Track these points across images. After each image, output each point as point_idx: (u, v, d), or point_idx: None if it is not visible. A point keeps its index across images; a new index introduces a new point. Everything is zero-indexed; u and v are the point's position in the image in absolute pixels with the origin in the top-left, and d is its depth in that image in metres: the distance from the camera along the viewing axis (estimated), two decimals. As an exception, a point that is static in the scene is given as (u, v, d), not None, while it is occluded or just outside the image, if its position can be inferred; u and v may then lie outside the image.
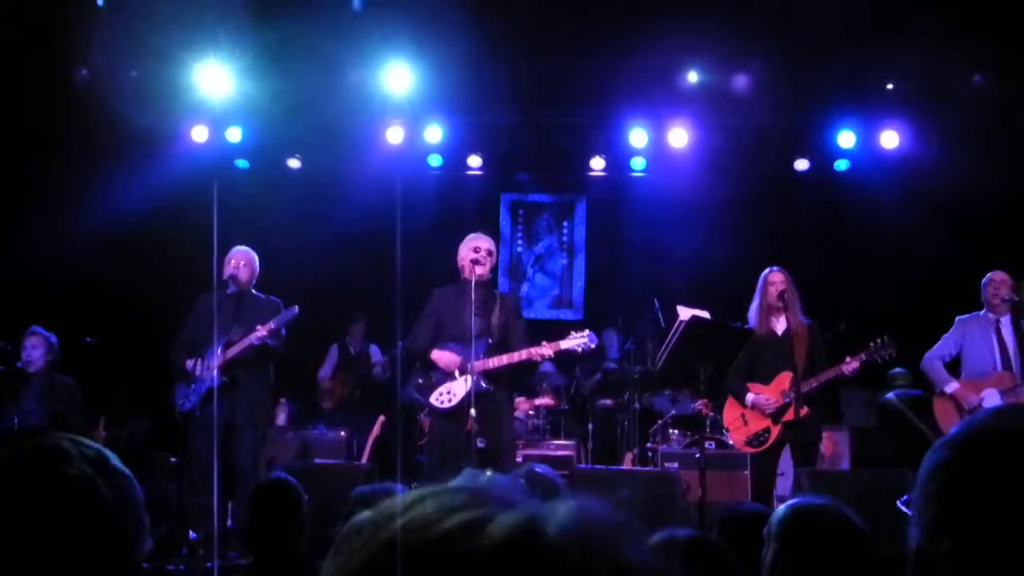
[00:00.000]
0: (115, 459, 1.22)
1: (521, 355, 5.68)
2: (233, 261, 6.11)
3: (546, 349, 5.68)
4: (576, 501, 0.69)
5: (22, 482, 1.13)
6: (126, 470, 1.22)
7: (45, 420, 6.30)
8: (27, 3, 7.45)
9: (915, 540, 1.02)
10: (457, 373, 5.73)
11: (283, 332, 5.98)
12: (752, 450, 6.05)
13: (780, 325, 6.06)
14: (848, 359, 5.81)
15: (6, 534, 1.08)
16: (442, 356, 5.75)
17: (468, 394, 5.61)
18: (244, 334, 5.88)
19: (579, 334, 5.76)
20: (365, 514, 0.70)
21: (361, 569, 0.66)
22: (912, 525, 1.03)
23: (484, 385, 5.67)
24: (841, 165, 9.41)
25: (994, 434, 0.99)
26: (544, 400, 8.50)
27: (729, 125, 9.04)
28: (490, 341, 5.76)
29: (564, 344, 5.71)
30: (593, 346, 5.87)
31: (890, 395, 7.43)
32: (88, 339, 7.23)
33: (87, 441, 1.23)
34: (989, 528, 0.94)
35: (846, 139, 9.06)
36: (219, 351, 5.86)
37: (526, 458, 7.40)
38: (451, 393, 5.73)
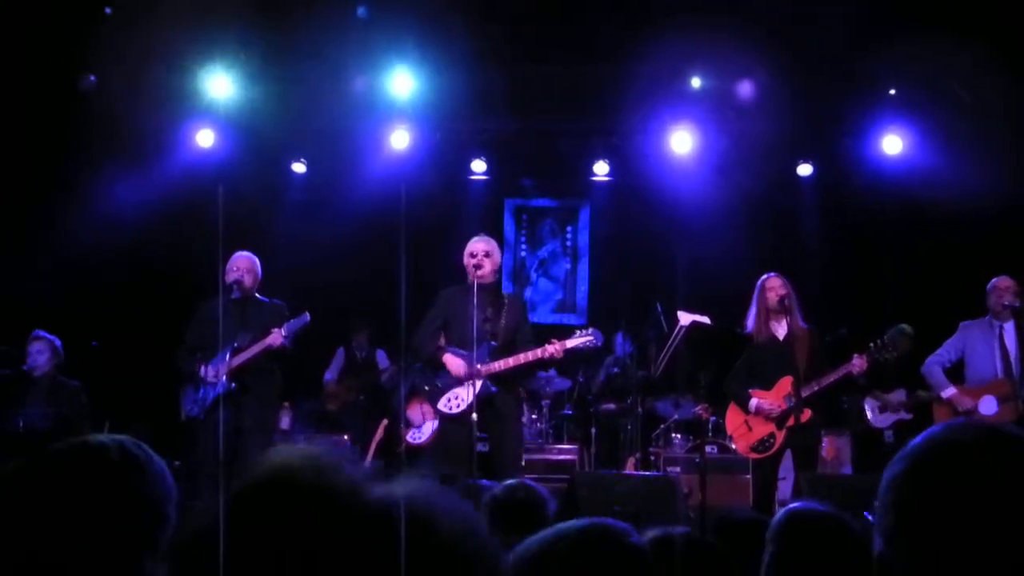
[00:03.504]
0: (154, 455, 1.26)
1: (527, 356, 5.68)
2: (236, 267, 6.12)
3: (554, 348, 5.68)
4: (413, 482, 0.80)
5: (68, 468, 1.17)
6: (163, 465, 1.27)
7: (50, 423, 6.32)
8: (34, 7, 7.50)
9: (878, 547, 1.05)
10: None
11: (292, 338, 6.00)
12: (757, 456, 6.05)
13: (781, 330, 6.07)
14: (855, 358, 5.81)
15: (52, 518, 1.11)
16: (451, 361, 5.76)
17: (476, 398, 5.62)
18: (252, 340, 5.89)
19: (584, 332, 5.76)
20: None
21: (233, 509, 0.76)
22: (875, 533, 1.07)
23: (492, 388, 5.68)
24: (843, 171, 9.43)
25: (947, 447, 1.03)
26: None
27: (732, 130, 9.05)
28: (494, 344, 5.77)
29: (570, 343, 5.71)
30: (599, 344, 5.87)
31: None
32: (94, 343, 7.26)
33: (126, 438, 1.27)
34: (942, 537, 0.98)
35: (849, 145, 9.07)
36: (227, 357, 5.89)
37: (528, 464, 7.42)
38: (459, 399, 5.73)
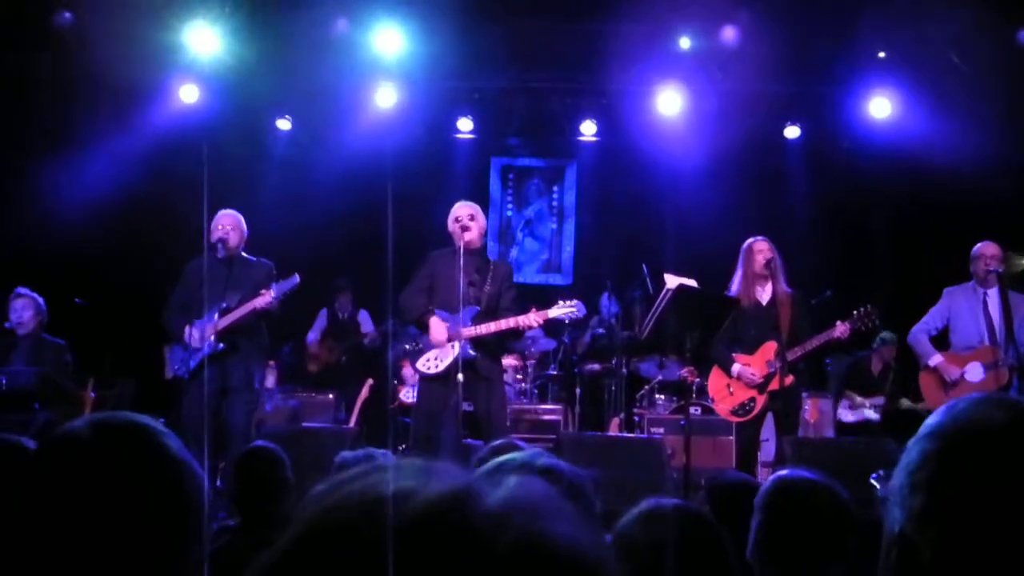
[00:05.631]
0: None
1: (508, 323, 5.70)
2: (221, 225, 6.08)
3: (533, 317, 5.69)
4: (516, 479, 0.70)
5: (125, 449, 1.15)
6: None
7: (34, 381, 6.30)
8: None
9: (897, 524, 1.04)
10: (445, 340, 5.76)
11: (280, 299, 5.97)
12: (738, 419, 6.09)
13: (765, 294, 6.08)
14: (839, 324, 5.83)
15: (104, 501, 1.09)
16: (434, 326, 5.76)
17: (455, 360, 5.64)
18: (240, 299, 5.87)
19: (568, 303, 5.77)
20: (319, 485, 0.72)
21: (301, 535, 0.67)
22: (893, 509, 1.06)
23: (471, 352, 5.70)
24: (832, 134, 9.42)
25: (981, 427, 1.03)
26: (513, 360, 8.52)
27: (720, 92, 9.00)
28: (478, 309, 5.78)
29: (552, 312, 5.72)
30: (580, 316, 5.90)
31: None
32: (77, 300, 7.21)
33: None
34: (977, 519, 0.98)
35: (837, 107, 9.05)
36: (215, 317, 5.86)
37: (512, 424, 7.45)
38: (438, 359, 5.76)
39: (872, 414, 7.96)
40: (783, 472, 2.35)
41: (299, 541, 0.66)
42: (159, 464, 1.16)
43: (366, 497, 0.66)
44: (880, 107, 8.82)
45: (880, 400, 7.98)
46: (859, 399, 8.04)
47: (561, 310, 5.72)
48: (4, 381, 6.19)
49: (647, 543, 1.82)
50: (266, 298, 5.78)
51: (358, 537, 0.64)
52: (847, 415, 8.05)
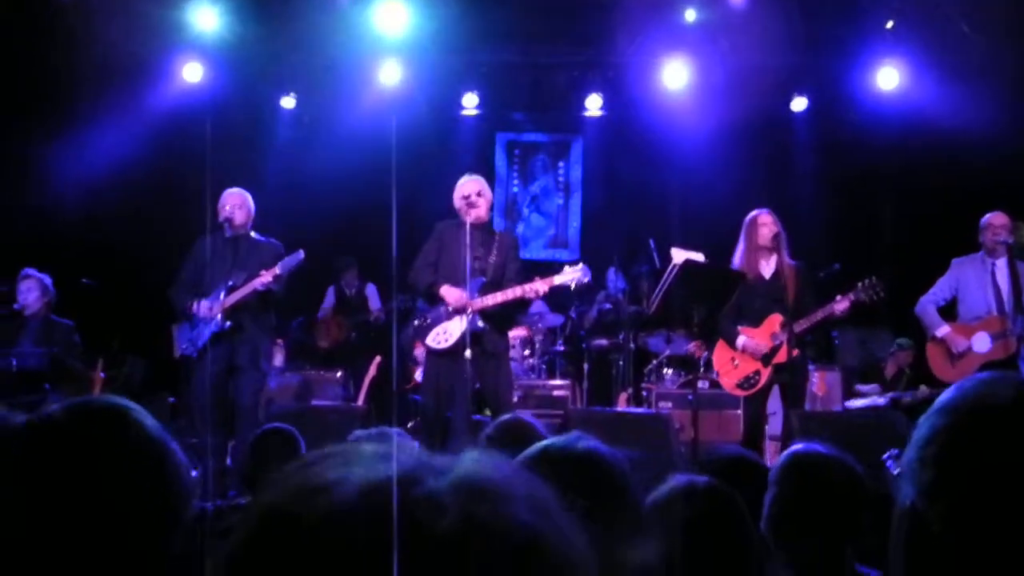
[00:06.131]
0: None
1: (515, 291, 5.65)
2: (228, 204, 6.07)
3: (539, 285, 5.67)
4: (474, 461, 0.68)
5: (94, 431, 1.14)
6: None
7: (43, 362, 6.33)
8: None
9: (908, 499, 1.07)
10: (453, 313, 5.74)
11: (286, 276, 5.97)
12: (743, 393, 6.08)
13: (769, 268, 6.05)
14: (839, 298, 5.82)
15: (74, 482, 1.09)
16: (449, 292, 5.74)
17: (464, 334, 5.64)
18: (247, 278, 5.87)
19: (573, 268, 5.74)
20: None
21: (250, 528, 0.68)
22: (904, 483, 1.08)
23: (480, 324, 5.69)
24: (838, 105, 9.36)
25: (989, 404, 1.05)
26: (521, 331, 8.53)
27: (726, 65, 8.94)
28: (484, 280, 5.75)
29: (558, 279, 5.68)
30: (586, 280, 5.83)
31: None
32: (85, 280, 7.23)
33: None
34: (985, 494, 1.01)
35: (845, 78, 8.99)
36: (222, 295, 5.87)
37: (521, 399, 7.47)
38: (447, 333, 5.74)
39: (880, 399, 7.96)
40: (798, 447, 2.35)
41: (248, 535, 0.67)
42: (133, 448, 1.15)
43: (304, 487, 0.66)
44: (888, 78, 8.75)
45: (877, 389, 8.02)
46: (862, 389, 8.07)
47: (566, 276, 5.69)
48: (14, 362, 6.23)
49: (678, 521, 1.83)
50: (265, 278, 5.77)
51: (298, 527, 0.64)
52: (855, 404, 8.06)
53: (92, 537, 1.06)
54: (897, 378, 8.16)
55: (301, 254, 5.86)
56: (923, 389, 7.25)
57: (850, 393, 8.10)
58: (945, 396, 1.10)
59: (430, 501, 0.64)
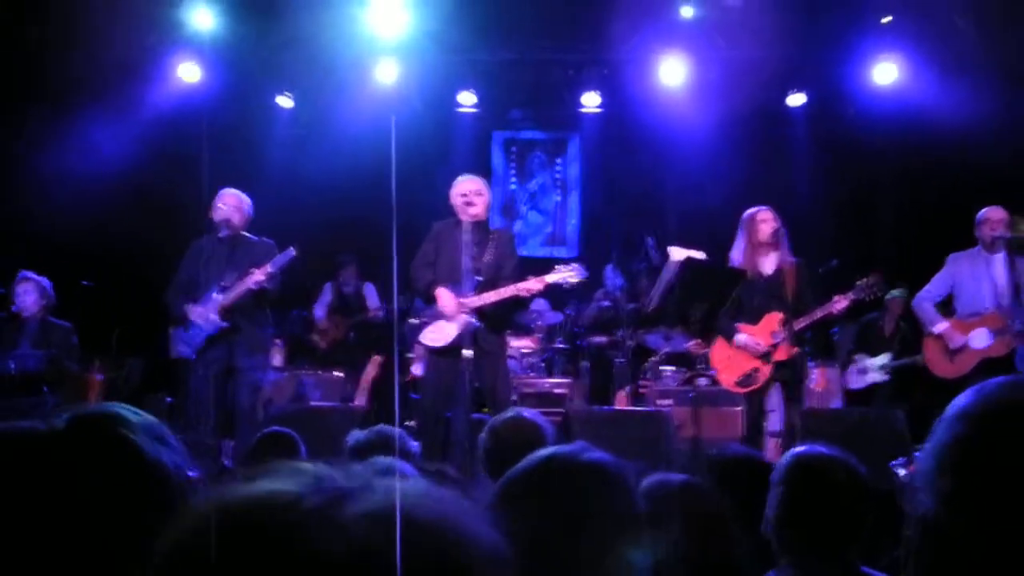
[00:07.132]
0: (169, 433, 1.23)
1: (509, 290, 5.64)
2: (223, 205, 6.06)
3: (533, 283, 5.65)
4: (390, 486, 0.67)
5: (80, 441, 1.13)
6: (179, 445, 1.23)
7: (42, 364, 6.31)
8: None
9: (923, 507, 1.04)
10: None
11: (278, 274, 5.96)
12: (742, 390, 6.07)
13: (769, 265, 6.03)
14: (837, 298, 5.80)
15: (61, 492, 1.08)
16: (443, 296, 5.74)
17: (461, 333, 5.63)
18: (240, 278, 5.86)
19: (567, 267, 5.73)
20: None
21: (168, 544, 0.68)
22: (920, 491, 1.05)
23: (475, 323, 5.68)
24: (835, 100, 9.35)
25: (1010, 409, 1.02)
26: (526, 342, 8.52)
27: (723, 60, 8.93)
28: (479, 279, 5.74)
29: (551, 278, 5.66)
30: (580, 279, 5.82)
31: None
32: (84, 282, 7.22)
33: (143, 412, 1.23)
34: (1012, 503, 0.98)
35: (842, 73, 8.97)
36: (216, 296, 5.86)
37: (520, 397, 7.47)
38: (442, 331, 5.75)
39: (880, 376, 7.95)
40: (801, 448, 2.35)
41: (168, 548, 0.68)
42: (124, 459, 1.14)
43: (210, 504, 0.67)
44: (885, 73, 8.73)
45: (888, 358, 7.96)
46: (868, 361, 8.03)
47: (561, 274, 5.68)
48: (13, 365, 6.21)
49: (650, 518, 1.82)
50: (257, 276, 5.75)
51: (203, 545, 0.65)
52: (855, 381, 8.05)
53: (84, 546, 1.05)
54: (895, 335, 8.11)
55: (292, 251, 5.84)
56: (919, 358, 7.26)
57: (849, 361, 8.10)
58: (963, 401, 1.06)
59: (331, 524, 0.63)
